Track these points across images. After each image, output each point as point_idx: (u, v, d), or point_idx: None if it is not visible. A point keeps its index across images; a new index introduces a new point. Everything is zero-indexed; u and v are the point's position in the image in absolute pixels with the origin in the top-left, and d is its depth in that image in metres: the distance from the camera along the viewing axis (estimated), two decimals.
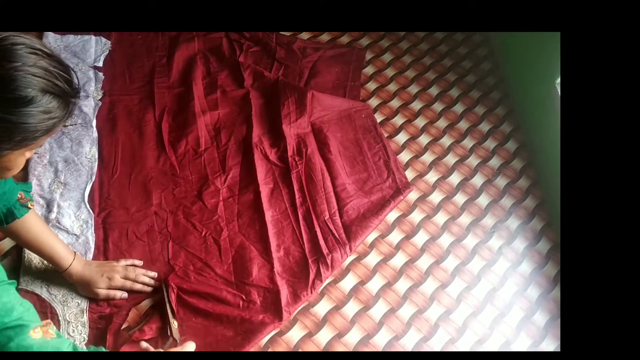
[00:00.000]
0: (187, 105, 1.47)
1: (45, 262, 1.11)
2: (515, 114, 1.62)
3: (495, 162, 1.51)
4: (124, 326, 1.09)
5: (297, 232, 1.26)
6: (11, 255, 1.15)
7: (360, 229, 1.28)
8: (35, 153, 1.31)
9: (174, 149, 1.38)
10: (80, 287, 1.11)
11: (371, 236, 1.31)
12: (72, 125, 1.38)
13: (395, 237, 1.32)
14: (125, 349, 1.04)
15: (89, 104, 1.43)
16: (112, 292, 1.11)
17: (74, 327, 1.08)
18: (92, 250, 1.18)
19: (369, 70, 1.68)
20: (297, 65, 1.63)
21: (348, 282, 1.23)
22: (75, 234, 1.20)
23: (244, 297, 1.15)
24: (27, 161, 1.30)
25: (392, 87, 1.65)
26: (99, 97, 1.46)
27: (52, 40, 1.56)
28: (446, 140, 1.54)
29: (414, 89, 1.65)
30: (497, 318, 1.23)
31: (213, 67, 1.59)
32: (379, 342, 1.16)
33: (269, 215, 1.28)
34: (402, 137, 1.53)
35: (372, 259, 1.28)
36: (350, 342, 1.15)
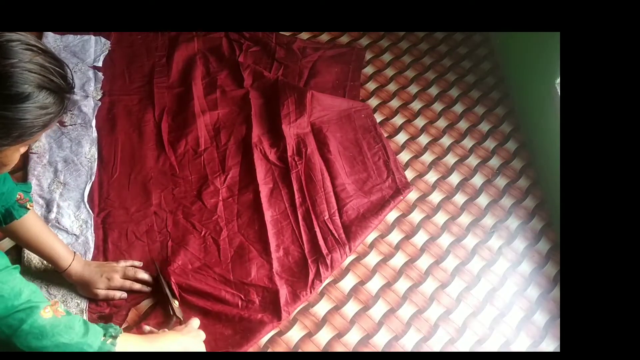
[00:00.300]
0: (186, 105, 1.47)
1: (45, 262, 1.11)
2: (515, 114, 1.62)
3: (495, 162, 1.51)
4: (123, 326, 1.09)
5: (297, 232, 1.26)
6: (10, 255, 1.15)
7: (360, 229, 1.28)
8: (35, 153, 1.31)
9: (174, 149, 1.38)
10: (80, 287, 1.11)
11: (371, 236, 1.31)
12: (71, 125, 1.38)
13: (395, 237, 1.32)
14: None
15: (89, 104, 1.43)
16: (112, 293, 1.11)
17: None
18: (92, 250, 1.18)
19: (368, 70, 1.68)
20: (296, 65, 1.63)
21: (348, 282, 1.23)
22: (75, 234, 1.20)
23: (242, 296, 1.15)
24: (27, 161, 1.30)
25: (392, 87, 1.65)
26: (99, 97, 1.46)
27: (52, 40, 1.56)
28: (446, 140, 1.54)
29: (413, 88, 1.65)
30: (497, 318, 1.22)
31: (213, 67, 1.59)
32: (379, 342, 1.16)
33: (268, 215, 1.28)
34: (401, 137, 1.53)
35: (372, 259, 1.28)
36: (350, 342, 1.15)
